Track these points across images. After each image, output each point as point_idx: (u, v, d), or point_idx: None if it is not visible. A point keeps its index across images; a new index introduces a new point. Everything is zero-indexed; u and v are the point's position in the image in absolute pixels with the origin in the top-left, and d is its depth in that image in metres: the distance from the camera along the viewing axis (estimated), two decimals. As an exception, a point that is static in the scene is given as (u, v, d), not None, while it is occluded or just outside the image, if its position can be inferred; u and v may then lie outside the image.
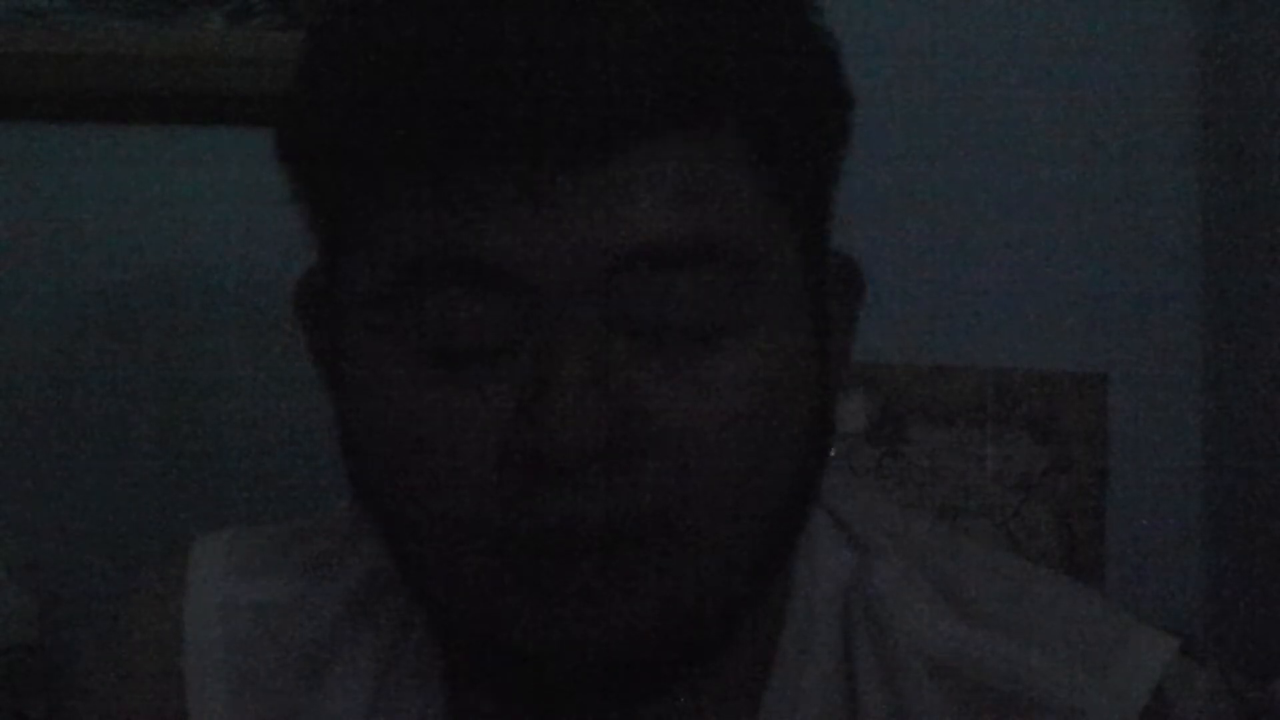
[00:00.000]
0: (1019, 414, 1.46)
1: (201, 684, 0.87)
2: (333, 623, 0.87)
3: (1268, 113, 1.43)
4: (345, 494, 0.84)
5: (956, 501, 1.46)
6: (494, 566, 0.75)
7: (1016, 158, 1.49)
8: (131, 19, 1.47)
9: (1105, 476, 1.46)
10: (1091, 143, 1.49)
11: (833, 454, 0.82)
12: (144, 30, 1.47)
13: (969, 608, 0.85)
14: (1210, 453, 1.52)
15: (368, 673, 0.86)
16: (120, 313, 1.50)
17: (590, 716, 0.81)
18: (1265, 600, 1.43)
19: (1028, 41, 1.49)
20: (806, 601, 0.85)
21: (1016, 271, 1.50)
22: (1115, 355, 1.50)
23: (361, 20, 0.76)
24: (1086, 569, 1.45)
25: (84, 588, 1.45)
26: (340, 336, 0.79)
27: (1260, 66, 1.43)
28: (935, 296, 1.49)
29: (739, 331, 0.75)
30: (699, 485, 0.74)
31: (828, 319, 0.81)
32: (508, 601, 0.76)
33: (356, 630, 0.87)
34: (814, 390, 0.79)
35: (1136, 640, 0.84)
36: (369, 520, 0.81)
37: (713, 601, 0.77)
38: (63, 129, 1.49)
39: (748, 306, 0.75)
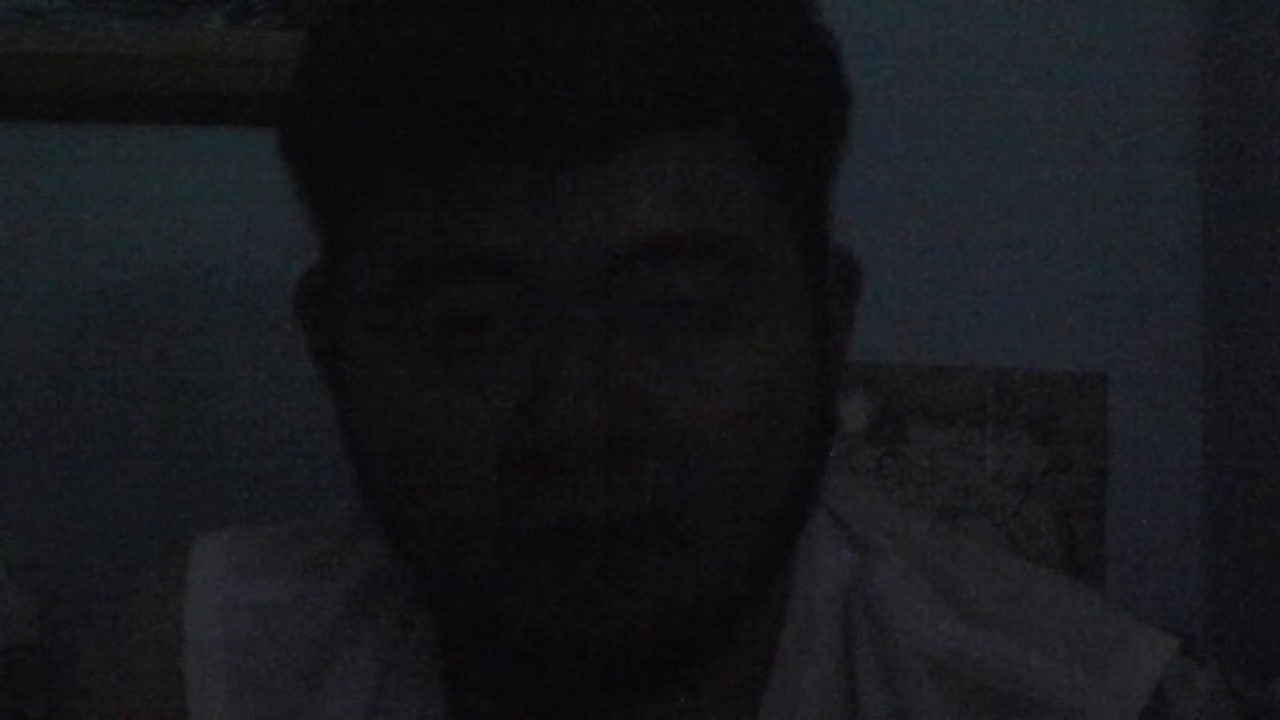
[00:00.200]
0: (1019, 414, 1.46)
1: (201, 684, 0.87)
2: (333, 623, 0.87)
3: (1268, 113, 1.43)
4: (345, 494, 0.84)
5: (956, 501, 1.46)
6: (494, 566, 0.75)
7: (1016, 158, 1.49)
8: (131, 19, 1.47)
9: (1105, 476, 1.47)
10: (1091, 143, 1.49)
11: (833, 454, 0.82)
12: (144, 30, 1.47)
13: (969, 608, 0.85)
14: (1210, 453, 1.52)
15: (368, 673, 0.86)
16: (120, 313, 1.50)
17: (591, 716, 0.81)
18: (1265, 600, 1.43)
19: (1028, 41, 1.49)
20: (806, 601, 0.85)
21: (1016, 271, 1.50)
22: (1115, 355, 1.50)
23: (362, 20, 0.76)
24: (1086, 569, 1.45)
25: (84, 588, 1.45)
26: (341, 336, 0.79)
27: (1260, 66, 1.43)
28: (935, 296, 1.49)
29: (740, 329, 0.75)
30: (700, 483, 0.74)
31: (827, 315, 0.81)
32: (508, 601, 0.76)
33: (356, 630, 0.87)
34: (815, 387, 0.79)
35: (1136, 640, 0.84)
36: (372, 518, 0.81)
37: (713, 600, 0.77)
38: (63, 129, 1.49)
39: (749, 304, 0.75)
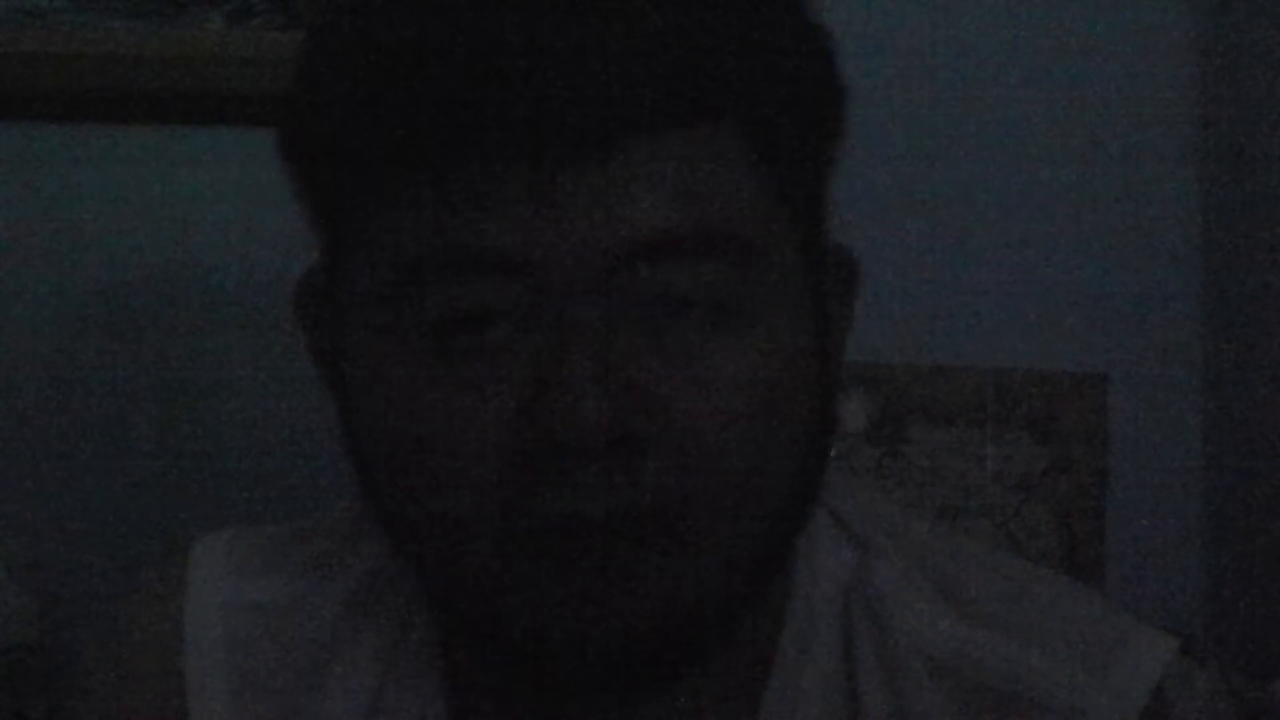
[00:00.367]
0: (1019, 414, 1.46)
1: (202, 684, 0.87)
2: (333, 623, 0.87)
3: (1268, 113, 1.43)
4: (345, 494, 0.84)
5: (956, 501, 1.46)
6: (495, 565, 0.75)
7: (1016, 158, 1.49)
8: (131, 19, 1.47)
9: (1105, 476, 1.47)
10: (1091, 143, 1.49)
11: (833, 454, 0.82)
12: (144, 30, 1.47)
13: (969, 607, 0.85)
14: (1210, 453, 1.52)
15: (368, 673, 0.86)
16: (120, 313, 1.50)
17: (591, 716, 0.81)
18: (1265, 600, 1.43)
19: (1028, 41, 1.49)
20: (806, 601, 0.85)
21: (1016, 271, 1.50)
22: (1115, 355, 1.50)
23: (362, 20, 0.76)
24: (1086, 569, 1.45)
25: (84, 588, 1.45)
26: (341, 335, 0.79)
27: (1260, 66, 1.43)
28: (935, 296, 1.49)
29: (741, 327, 0.75)
30: (702, 481, 0.74)
31: (827, 312, 0.81)
32: (509, 600, 0.76)
33: (356, 630, 0.87)
34: (815, 385, 0.79)
35: (1136, 640, 0.84)
36: (374, 519, 0.81)
37: (714, 599, 0.77)
38: (63, 129, 1.49)
39: (750, 301, 0.75)
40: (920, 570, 0.86)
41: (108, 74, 1.47)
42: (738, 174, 0.75)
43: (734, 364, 0.75)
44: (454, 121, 0.72)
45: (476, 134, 0.72)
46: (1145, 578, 1.50)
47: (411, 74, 0.72)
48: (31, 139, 1.49)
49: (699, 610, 0.76)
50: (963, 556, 0.88)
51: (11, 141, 1.50)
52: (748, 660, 0.84)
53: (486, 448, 0.74)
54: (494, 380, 0.74)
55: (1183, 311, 1.51)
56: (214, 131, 1.46)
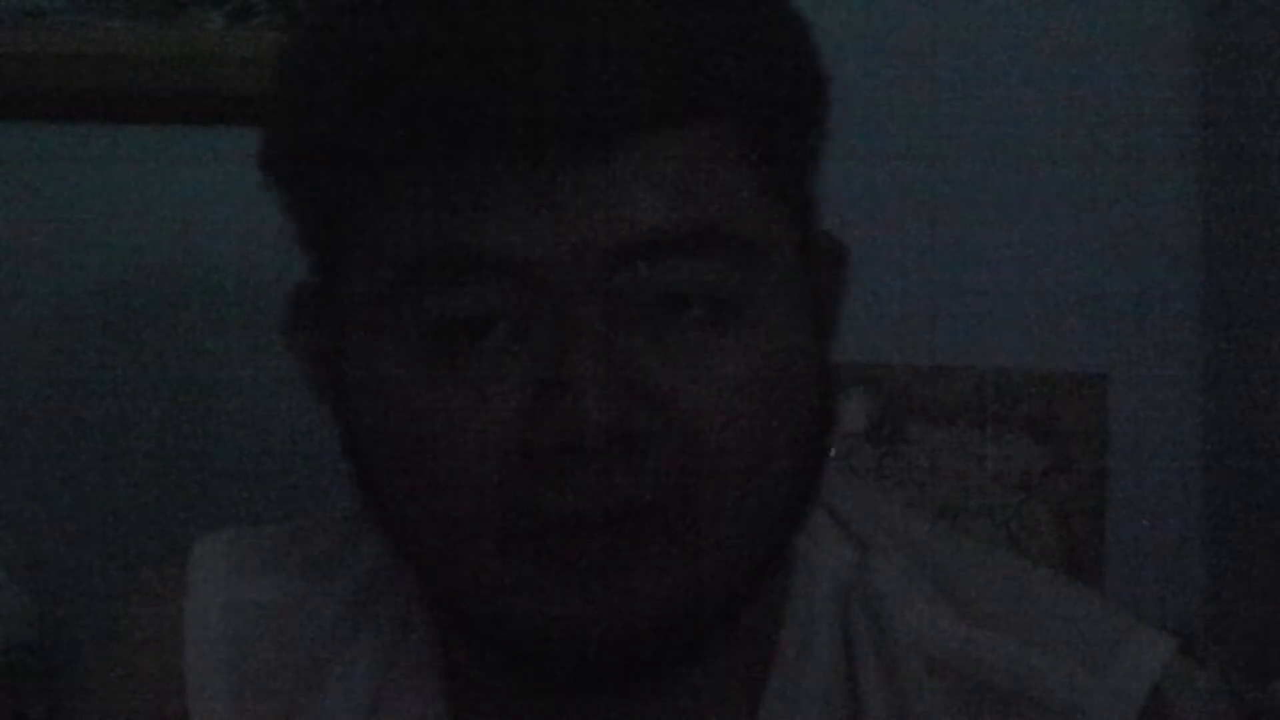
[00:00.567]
0: (1019, 414, 1.46)
1: (202, 684, 0.87)
2: (333, 623, 0.88)
3: (1268, 113, 1.43)
4: (345, 494, 0.84)
5: (956, 501, 1.46)
6: (496, 563, 0.75)
7: (1016, 158, 1.49)
8: (131, 19, 1.47)
9: (1105, 476, 1.46)
10: (1091, 143, 1.49)
11: (833, 453, 0.82)
12: (144, 30, 1.47)
13: (969, 606, 0.85)
14: (1210, 453, 1.52)
15: (368, 673, 0.86)
16: (120, 313, 1.50)
17: (591, 716, 0.81)
18: (1265, 600, 1.43)
19: (1028, 41, 1.49)
20: (806, 600, 0.85)
21: (1016, 271, 1.50)
22: (1115, 355, 1.50)
23: (361, 20, 0.76)
24: (1086, 569, 1.45)
25: (84, 588, 1.45)
26: (342, 337, 0.79)
27: (1260, 66, 1.43)
28: (935, 296, 1.49)
29: (742, 323, 0.75)
30: (705, 477, 0.74)
31: (820, 298, 0.81)
32: (510, 598, 0.76)
33: (356, 630, 0.87)
34: (815, 378, 0.79)
35: (1136, 640, 0.84)
36: (374, 520, 0.82)
37: (715, 595, 0.77)
38: (63, 129, 1.49)
39: (749, 297, 0.75)
40: (920, 569, 0.86)
41: (108, 74, 1.47)
42: (735, 171, 0.75)
43: (734, 362, 0.75)
44: (453, 121, 0.72)
45: (476, 133, 0.72)
46: (1145, 578, 1.50)
47: (411, 73, 0.73)
48: (31, 139, 1.49)
49: (700, 608, 0.76)
50: (963, 556, 0.88)
51: (11, 141, 1.49)
52: (747, 660, 0.84)
53: (488, 447, 0.74)
54: (496, 380, 0.74)
55: (1183, 311, 1.51)
56: (214, 131, 1.46)
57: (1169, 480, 1.51)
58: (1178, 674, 0.84)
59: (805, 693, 0.84)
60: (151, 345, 1.50)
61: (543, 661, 0.77)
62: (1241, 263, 1.47)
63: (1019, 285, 1.50)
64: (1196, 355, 1.51)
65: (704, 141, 0.75)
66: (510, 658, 0.79)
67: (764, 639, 0.84)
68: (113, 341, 1.50)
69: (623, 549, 0.74)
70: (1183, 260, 1.51)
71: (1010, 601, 0.85)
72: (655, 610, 0.75)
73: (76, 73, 1.47)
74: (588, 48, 0.72)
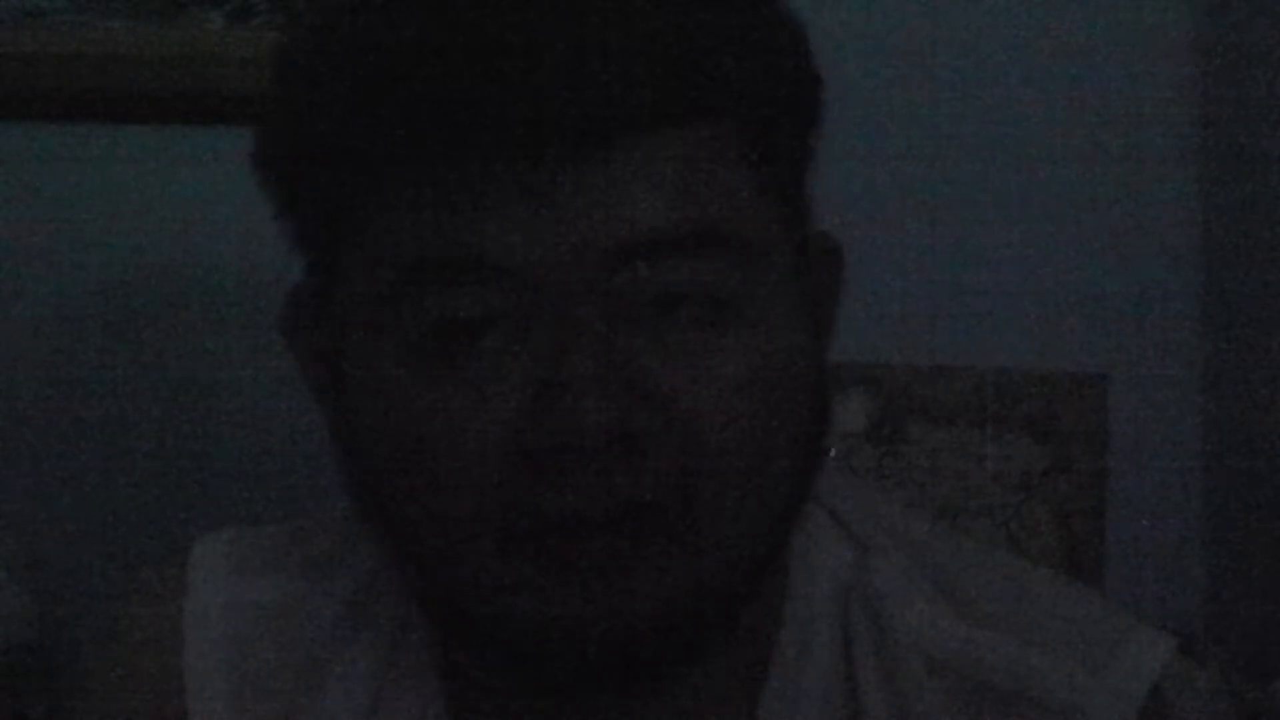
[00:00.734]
0: (1019, 414, 1.46)
1: (202, 684, 0.87)
2: (333, 623, 0.88)
3: (1268, 113, 1.43)
4: (345, 494, 0.84)
5: (956, 501, 1.46)
6: (496, 565, 0.75)
7: (1016, 158, 1.49)
8: (131, 19, 1.47)
9: (1105, 476, 1.46)
10: (1091, 143, 1.49)
11: (833, 453, 0.82)
12: (144, 30, 1.47)
13: (969, 606, 0.85)
14: (1210, 453, 1.52)
15: (368, 673, 0.86)
16: (120, 313, 1.50)
17: (590, 716, 0.81)
18: (1265, 600, 1.43)
19: (1028, 41, 1.49)
20: (806, 600, 0.85)
21: (1016, 271, 1.50)
22: (1115, 355, 1.50)
23: (360, 20, 0.76)
24: (1086, 569, 1.45)
25: (84, 588, 1.45)
26: (341, 337, 0.79)
27: (1260, 66, 1.43)
28: (935, 296, 1.49)
29: (741, 322, 0.75)
30: (704, 476, 0.75)
31: (814, 297, 0.81)
32: (510, 599, 0.76)
33: (356, 630, 0.87)
34: (812, 376, 0.79)
35: (1135, 639, 0.84)
36: (367, 525, 0.82)
37: (714, 594, 0.77)
38: (63, 129, 1.49)
39: (748, 297, 0.75)
40: (920, 569, 0.86)
41: (108, 74, 1.47)
42: (734, 172, 0.76)
43: (733, 361, 0.75)
44: (453, 121, 0.72)
45: (475, 133, 0.72)
46: (1145, 578, 1.50)
47: (410, 73, 0.73)
48: (31, 139, 1.49)
49: (699, 607, 0.76)
50: (963, 556, 0.88)
51: (11, 141, 1.49)
52: (747, 660, 0.84)
53: (488, 447, 0.74)
54: (495, 380, 0.74)
55: (1183, 311, 1.51)
56: (214, 131, 1.46)
57: (1169, 480, 1.52)
58: (1177, 674, 0.84)
59: (805, 693, 0.84)
60: (151, 345, 1.50)
61: (543, 661, 0.77)
62: (1241, 263, 1.47)
63: (1019, 285, 1.50)
64: (1196, 355, 1.51)
65: (703, 142, 0.75)
66: (510, 658, 0.79)
67: (763, 639, 0.84)
68: (113, 341, 1.50)
69: (623, 549, 0.74)
70: (1183, 260, 1.51)
71: (1010, 601, 0.85)
72: (655, 610, 0.75)
73: (76, 73, 1.47)
74: (587, 48, 0.72)
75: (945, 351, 1.48)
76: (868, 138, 1.39)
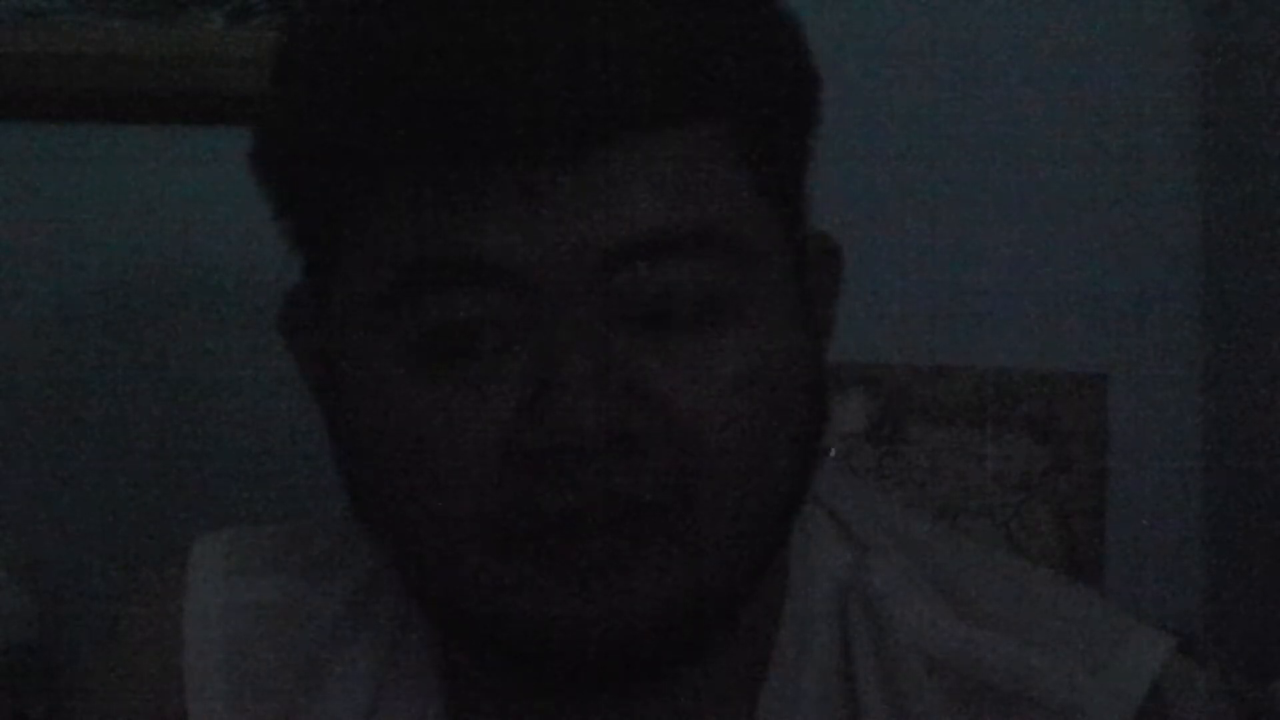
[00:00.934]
0: (1019, 414, 1.46)
1: (201, 684, 0.87)
2: (333, 623, 0.88)
3: (1268, 113, 1.43)
4: (345, 494, 0.84)
5: (956, 501, 1.46)
6: (495, 565, 0.75)
7: (1016, 158, 1.49)
8: (131, 19, 1.47)
9: (1105, 476, 1.46)
10: (1091, 143, 1.49)
11: (833, 453, 0.82)
12: (144, 30, 1.47)
13: (968, 606, 0.85)
14: (1210, 453, 1.52)
15: (368, 673, 0.86)
16: (120, 313, 1.50)
17: (590, 715, 0.81)
18: (1265, 600, 1.43)
19: (1028, 41, 1.49)
20: (805, 600, 0.85)
21: (1016, 271, 1.50)
22: (1115, 355, 1.50)
23: (359, 20, 0.76)
24: (1086, 569, 1.45)
25: (84, 588, 1.45)
26: (339, 339, 0.79)
27: (1260, 66, 1.43)
28: (935, 296, 1.49)
29: (738, 322, 0.75)
30: (702, 476, 0.75)
31: (812, 297, 0.81)
32: (509, 599, 0.76)
33: (356, 630, 0.87)
34: (809, 369, 0.79)
35: (1134, 639, 0.84)
36: (366, 526, 0.82)
37: (713, 593, 0.77)
38: (63, 129, 1.49)
39: (745, 297, 0.75)
40: (920, 570, 0.86)
41: (108, 74, 1.47)
42: (733, 172, 0.76)
43: (731, 361, 0.75)
44: (452, 122, 0.72)
45: (474, 134, 0.72)
46: (1145, 578, 1.50)
47: (409, 74, 0.73)
48: (31, 139, 1.49)
49: (698, 606, 0.77)
50: (962, 556, 0.88)
51: (11, 141, 1.49)
52: (746, 659, 0.84)
53: (485, 448, 0.74)
54: (494, 381, 0.74)
55: (1183, 311, 1.51)
56: (214, 131, 1.46)
57: (1169, 480, 1.52)
58: (1177, 674, 0.84)
59: (804, 692, 0.84)
60: (151, 345, 1.50)
61: (543, 661, 0.77)
62: (1241, 263, 1.47)
63: (1019, 285, 1.50)
64: (1196, 355, 1.51)
65: (701, 142, 0.75)
66: (510, 658, 0.79)
67: (763, 638, 0.84)
68: (113, 341, 1.50)
69: (622, 549, 0.74)
70: (1183, 260, 1.51)
71: (1010, 601, 0.85)
72: (655, 610, 0.75)
73: (76, 73, 1.47)
74: (586, 48, 0.72)
75: (945, 351, 1.48)
76: (868, 138, 1.39)
